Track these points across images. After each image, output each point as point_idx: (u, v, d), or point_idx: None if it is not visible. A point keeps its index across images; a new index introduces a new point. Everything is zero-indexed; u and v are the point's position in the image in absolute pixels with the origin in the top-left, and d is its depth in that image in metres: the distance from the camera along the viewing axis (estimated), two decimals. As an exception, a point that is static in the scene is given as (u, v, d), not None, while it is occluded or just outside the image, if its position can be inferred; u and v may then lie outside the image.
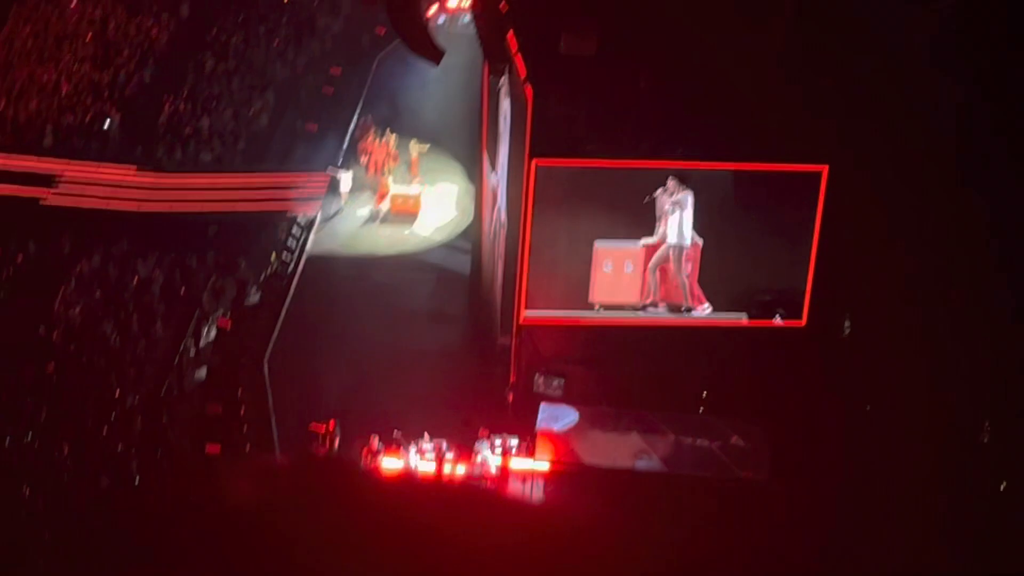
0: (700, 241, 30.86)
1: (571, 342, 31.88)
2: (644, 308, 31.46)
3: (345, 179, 42.96)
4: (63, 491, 30.32)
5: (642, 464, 31.09)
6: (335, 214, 42.19)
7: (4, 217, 40.21)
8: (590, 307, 31.33)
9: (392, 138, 43.67)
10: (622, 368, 31.65)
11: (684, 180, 30.02)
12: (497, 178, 35.00)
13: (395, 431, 30.80)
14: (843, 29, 29.50)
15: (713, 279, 31.33)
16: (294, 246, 40.09)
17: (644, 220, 30.42)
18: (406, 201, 42.06)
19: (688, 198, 30.23)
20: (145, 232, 40.07)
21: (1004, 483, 30.36)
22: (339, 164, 43.28)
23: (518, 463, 30.81)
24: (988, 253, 30.21)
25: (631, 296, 31.42)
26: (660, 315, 31.47)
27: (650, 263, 31.02)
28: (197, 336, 36.00)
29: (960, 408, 30.80)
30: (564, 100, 29.56)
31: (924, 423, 30.62)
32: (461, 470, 30.62)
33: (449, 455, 30.71)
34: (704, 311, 31.46)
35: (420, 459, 30.56)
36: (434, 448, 30.67)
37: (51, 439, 31.58)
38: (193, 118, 45.46)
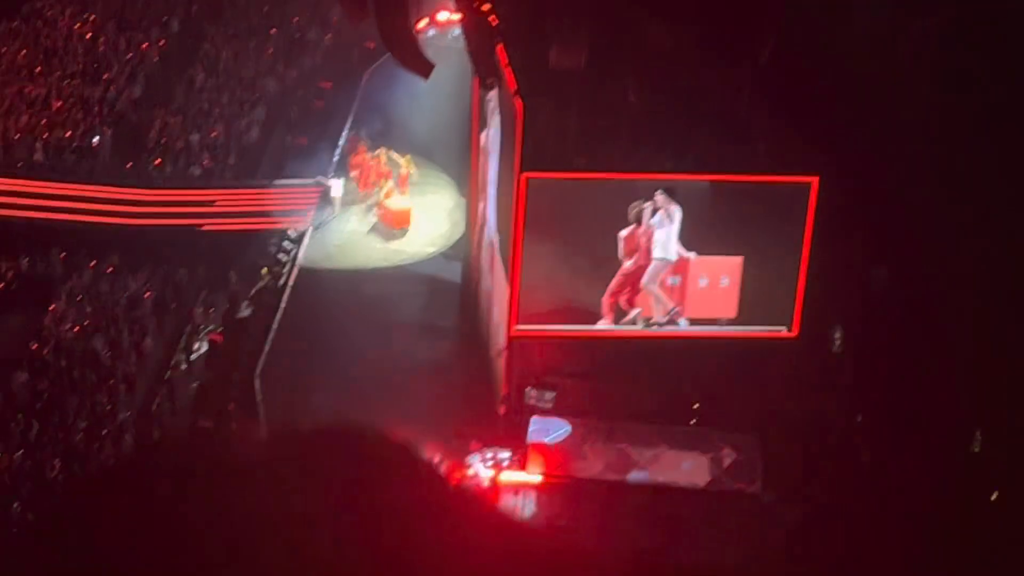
0: (691, 256, 30.75)
1: (562, 355, 31.88)
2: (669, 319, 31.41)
3: (336, 186, 43.00)
4: (54, 507, 30.17)
5: (634, 476, 31.09)
6: (326, 227, 42.19)
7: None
8: (588, 320, 31.27)
9: (382, 152, 43.68)
10: (613, 380, 31.65)
11: (672, 194, 30.00)
12: (487, 191, 35.02)
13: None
14: (833, 40, 29.55)
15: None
16: (285, 259, 40.08)
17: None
18: (396, 215, 42.05)
19: (677, 213, 30.20)
20: (136, 247, 40.05)
21: (995, 493, 30.39)
22: (329, 176, 43.32)
23: (509, 476, 30.80)
24: (979, 263, 30.26)
25: (727, 311, 31.29)
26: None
27: (644, 281, 30.92)
28: (188, 350, 36.00)
29: (951, 418, 30.83)
30: (554, 113, 29.58)
31: (915, 433, 30.66)
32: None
33: (440, 468, 30.64)
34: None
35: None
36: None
37: (42, 455, 31.55)
38: (183, 133, 45.49)
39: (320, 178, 43.44)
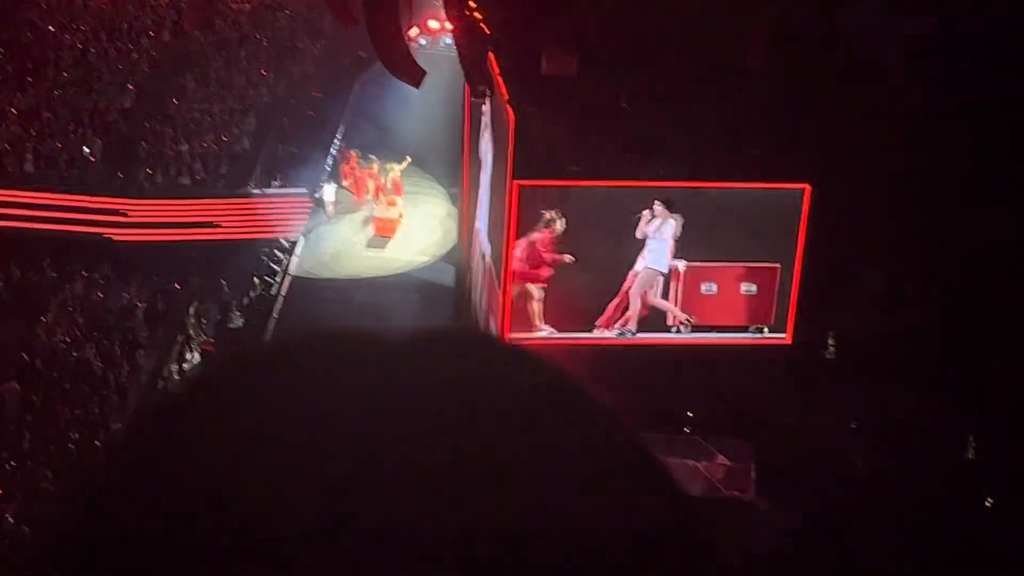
0: (680, 264, 30.69)
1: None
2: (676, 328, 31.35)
3: (328, 191, 43.01)
4: (47, 519, 30.13)
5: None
6: (318, 235, 42.18)
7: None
8: (582, 328, 31.21)
9: (374, 160, 43.68)
10: (606, 388, 31.38)
11: (670, 206, 29.95)
12: (480, 199, 34.99)
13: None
14: (824, 47, 29.57)
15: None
16: (277, 269, 40.07)
17: (629, 241, 30.36)
18: (387, 224, 42.03)
19: (671, 224, 30.13)
20: (127, 257, 40.03)
21: (989, 499, 30.36)
22: (321, 185, 43.33)
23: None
24: (974, 269, 30.25)
25: (765, 319, 31.34)
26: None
27: (632, 289, 30.85)
28: (181, 361, 35.92)
29: (945, 424, 30.81)
30: (546, 121, 29.54)
31: (909, 439, 30.63)
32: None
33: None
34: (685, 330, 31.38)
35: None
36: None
37: (34, 466, 31.45)
38: (174, 142, 45.46)
39: (312, 186, 43.46)
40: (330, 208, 43.01)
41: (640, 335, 31.22)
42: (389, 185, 43.39)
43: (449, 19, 37.14)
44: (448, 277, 39.62)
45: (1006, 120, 29.35)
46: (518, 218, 29.84)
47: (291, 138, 46.77)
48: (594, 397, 1.34)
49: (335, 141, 46.21)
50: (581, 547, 1.16)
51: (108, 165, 44.61)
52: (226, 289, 38.79)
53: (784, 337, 31.41)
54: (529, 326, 30.50)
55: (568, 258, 29.96)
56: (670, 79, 29.42)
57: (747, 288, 31.00)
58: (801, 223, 30.37)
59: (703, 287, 31.05)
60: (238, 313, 37.96)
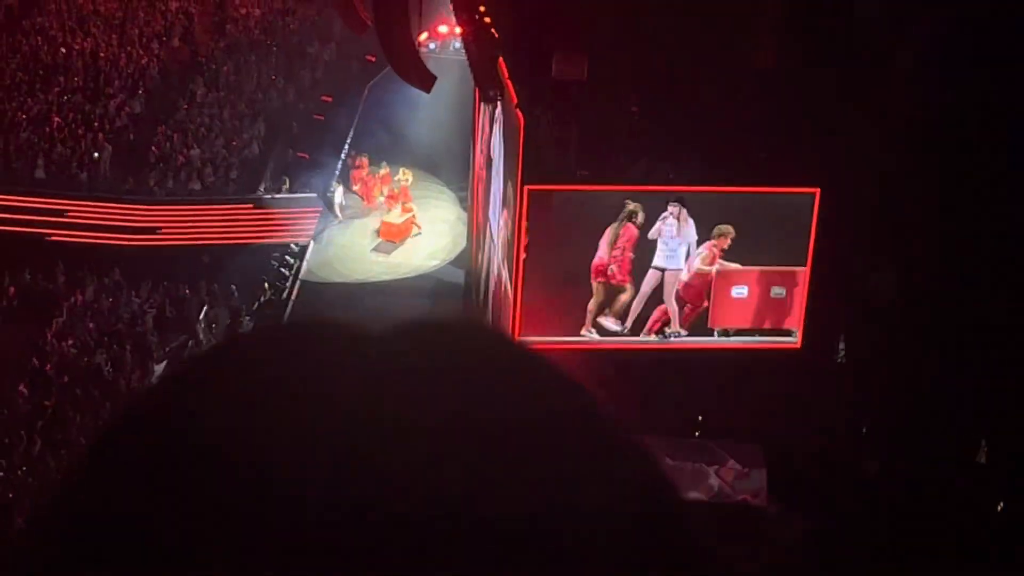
0: (683, 268, 30.62)
1: (566, 367, 31.75)
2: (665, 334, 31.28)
3: (338, 195, 43.05)
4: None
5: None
6: (328, 237, 42.21)
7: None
8: (586, 332, 31.17)
9: (384, 165, 43.71)
10: (616, 392, 31.38)
11: (685, 205, 29.93)
12: (490, 204, 34.97)
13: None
14: (834, 49, 29.53)
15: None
16: (287, 273, 40.09)
17: (640, 244, 30.32)
18: (392, 228, 42.01)
19: (689, 223, 30.10)
20: (137, 262, 40.07)
21: (1001, 504, 30.30)
22: (331, 189, 43.37)
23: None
24: (984, 274, 30.19)
25: (791, 322, 31.21)
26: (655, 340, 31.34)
27: (645, 288, 30.83)
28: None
29: (957, 429, 30.74)
30: (556, 125, 29.52)
31: (920, 444, 30.56)
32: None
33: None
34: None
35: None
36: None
37: (45, 472, 31.47)
38: (184, 148, 45.53)
39: (321, 190, 43.53)
40: (339, 212, 43.05)
41: (646, 339, 31.18)
42: (397, 190, 43.42)
43: (459, 23, 37.18)
44: (458, 281, 39.60)
45: (1014, 122, 29.31)
46: (527, 222, 29.81)
47: (301, 143, 46.82)
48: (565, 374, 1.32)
49: (345, 146, 46.24)
50: (579, 537, 1.14)
51: (118, 170, 44.68)
52: (236, 294, 38.80)
53: (795, 341, 31.38)
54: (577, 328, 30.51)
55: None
56: (679, 83, 29.41)
57: (777, 292, 30.96)
58: (811, 227, 30.34)
59: (734, 291, 31.00)
60: (248, 318, 37.97)
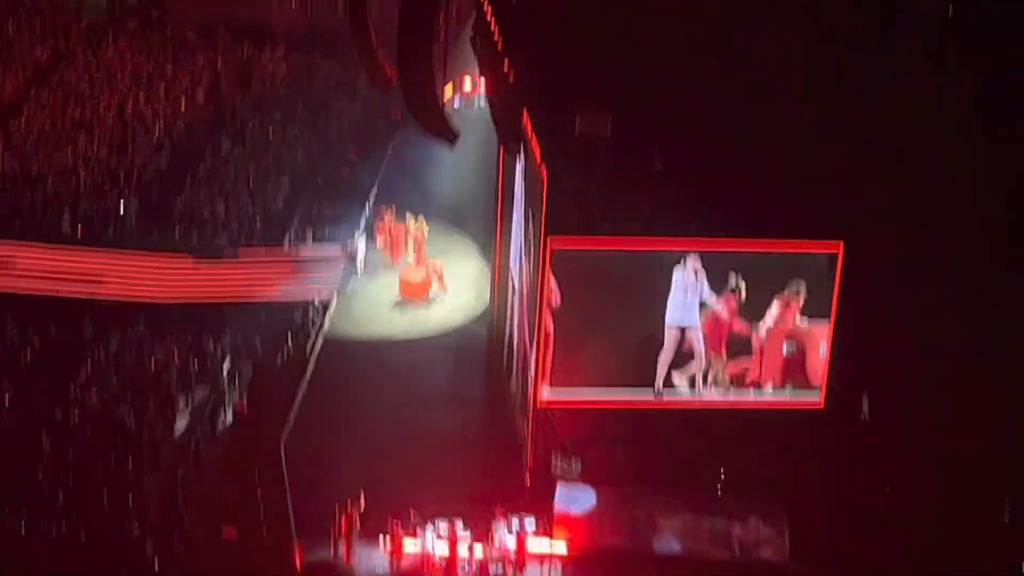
0: (696, 324, 30.67)
1: (588, 423, 31.72)
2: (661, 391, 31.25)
3: (360, 248, 43.15)
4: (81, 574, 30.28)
5: (660, 545, 30.87)
6: (351, 292, 42.26)
7: (23, 302, 40.40)
8: (607, 386, 31.13)
9: (409, 219, 43.83)
10: (640, 448, 31.49)
11: (702, 259, 29.98)
12: (513, 258, 35.03)
13: (412, 512, 30.63)
14: (856, 102, 29.61)
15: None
16: (310, 328, 40.12)
17: (660, 298, 30.34)
18: (414, 287, 41.99)
19: (704, 277, 30.16)
20: (162, 315, 40.19)
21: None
22: (354, 243, 43.49)
23: (535, 544, 30.61)
24: (1007, 332, 30.12)
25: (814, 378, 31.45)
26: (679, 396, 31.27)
27: (668, 344, 30.80)
28: (214, 419, 35.94)
29: (980, 488, 30.58)
30: (579, 180, 29.60)
31: (944, 504, 30.41)
32: (479, 551, 30.43)
33: (466, 536, 30.50)
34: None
35: (436, 540, 30.38)
36: (448, 529, 30.48)
37: (69, 522, 31.48)
38: (209, 202, 45.71)
39: (345, 244, 43.64)
40: (361, 265, 43.13)
41: (670, 394, 31.14)
42: (412, 242, 43.56)
43: (483, 79, 37.38)
44: (480, 337, 39.60)
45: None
46: (550, 276, 29.86)
47: (325, 198, 46.97)
48: None
49: (369, 201, 46.39)
50: None
51: (144, 224, 44.87)
52: (259, 348, 38.85)
53: (818, 399, 31.33)
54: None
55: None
56: (701, 139, 29.49)
57: (824, 348, 30.97)
58: (835, 284, 30.33)
59: (785, 348, 31.02)
60: (271, 371, 37.94)
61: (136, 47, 55.06)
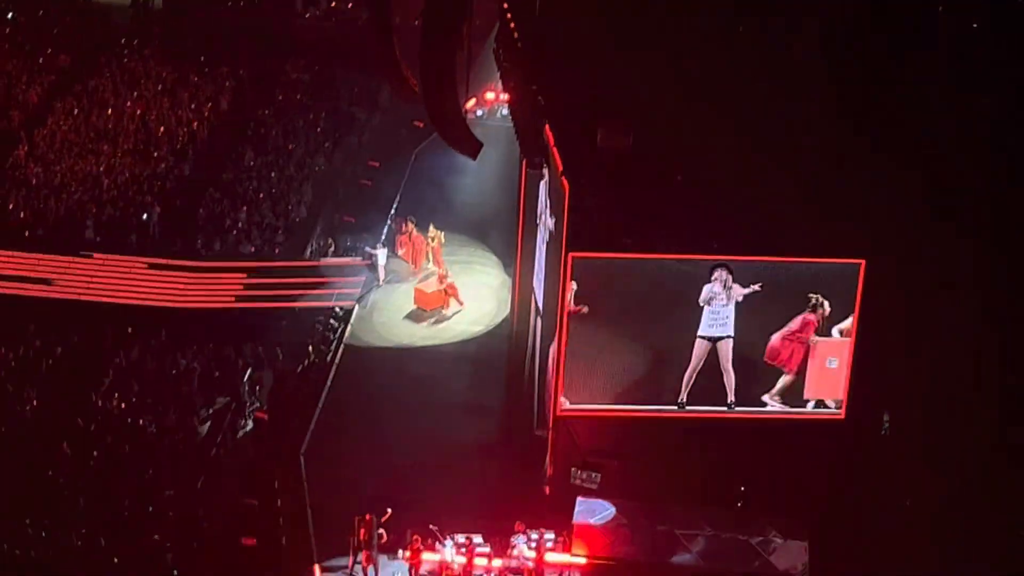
0: (729, 336, 30.68)
1: (608, 435, 31.72)
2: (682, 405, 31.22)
3: (381, 258, 43.20)
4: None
5: (679, 559, 30.84)
6: (372, 301, 42.29)
7: (44, 310, 40.53)
8: (626, 400, 31.13)
9: (430, 230, 43.88)
10: (659, 461, 31.46)
11: (732, 272, 29.97)
12: (535, 270, 35.05)
13: (431, 525, 30.67)
14: (880, 121, 29.59)
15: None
16: (331, 337, 40.19)
17: (684, 311, 30.32)
18: (428, 297, 41.96)
19: (736, 290, 30.13)
20: (183, 324, 40.29)
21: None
22: (375, 253, 43.53)
23: (554, 557, 30.62)
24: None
25: (836, 392, 31.48)
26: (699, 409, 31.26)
27: (696, 358, 30.78)
28: (234, 428, 36.01)
29: (1003, 505, 30.52)
30: (601, 193, 29.60)
31: (965, 519, 30.35)
32: (497, 564, 30.44)
33: (485, 548, 30.53)
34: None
35: (455, 553, 30.40)
36: (465, 542, 30.51)
37: (89, 531, 31.57)
38: (232, 210, 45.81)
39: (366, 254, 43.70)
40: (382, 275, 43.19)
41: (692, 408, 31.14)
42: (430, 251, 43.64)
43: (506, 91, 37.42)
44: (501, 347, 39.62)
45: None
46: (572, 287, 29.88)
47: (347, 207, 47.04)
48: None
49: (391, 210, 46.45)
50: None
51: (167, 232, 44.99)
52: (280, 357, 38.91)
53: (839, 412, 31.30)
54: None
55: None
56: (723, 152, 29.48)
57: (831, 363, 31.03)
58: (856, 298, 30.29)
59: (828, 362, 31.05)
60: (292, 380, 37.99)
61: (160, 55, 55.21)
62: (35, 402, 36.16)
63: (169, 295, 41.91)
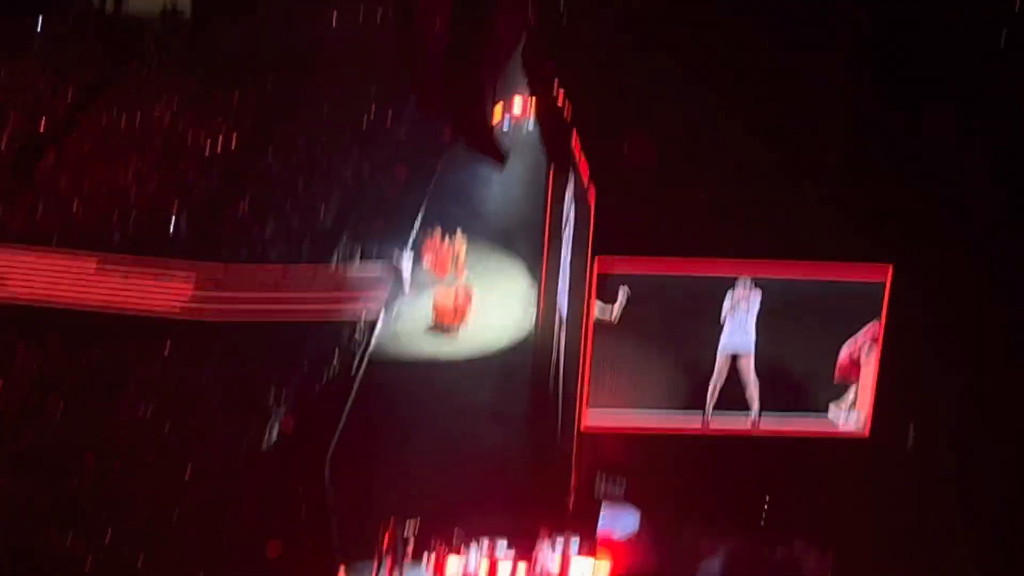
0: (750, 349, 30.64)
1: (633, 445, 31.69)
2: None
3: (406, 263, 43.23)
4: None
5: (703, 572, 30.80)
6: (398, 315, 42.31)
7: (69, 320, 40.69)
8: (650, 408, 31.10)
9: (457, 239, 43.91)
10: (684, 473, 31.42)
11: (756, 282, 29.93)
12: (560, 279, 35.06)
13: (456, 530, 30.67)
14: (904, 128, 29.56)
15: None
16: (356, 348, 40.21)
17: (707, 321, 30.30)
18: (448, 311, 41.96)
19: (757, 300, 30.10)
20: (209, 333, 40.36)
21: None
22: (400, 262, 43.57)
23: (578, 565, 30.59)
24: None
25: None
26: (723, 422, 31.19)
27: (718, 370, 30.73)
28: (259, 436, 36.05)
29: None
30: (627, 202, 29.60)
31: (992, 536, 30.24)
32: (522, 570, 30.43)
33: (509, 556, 30.51)
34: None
35: (480, 559, 30.40)
36: (487, 549, 30.51)
37: (115, 541, 31.67)
38: (258, 219, 45.90)
39: (392, 263, 43.75)
40: (408, 284, 43.21)
41: (717, 419, 31.08)
42: (453, 259, 43.69)
43: (532, 100, 37.48)
44: (525, 356, 39.61)
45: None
46: (597, 299, 29.85)
47: (373, 216, 47.09)
48: None
49: (417, 219, 46.49)
50: None
51: (193, 240, 45.09)
52: (305, 366, 38.95)
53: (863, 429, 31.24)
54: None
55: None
56: (749, 160, 29.50)
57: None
58: (883, 310, 30.22)
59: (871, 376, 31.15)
60: (317, 390, 38.04)
61: (188, 64, 55.39)
62: (60, 411, 36.33)
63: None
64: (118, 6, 58.26)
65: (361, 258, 44.56)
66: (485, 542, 30.61)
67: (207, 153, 49.40)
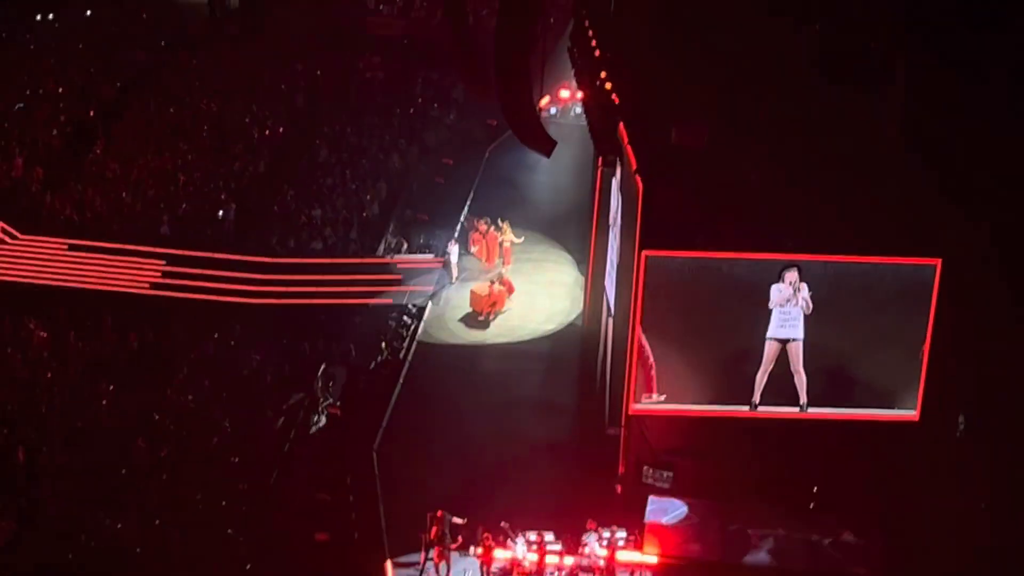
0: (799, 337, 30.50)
1: (681, 434, 31.61)
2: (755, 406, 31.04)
3: (453, 255, 43.27)
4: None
5: (752, 559, 30.69)
6: (446, 301, 42.36)
7: (121, 306, 40.96)
8: (698, 399, 31.00)
9: (504, 227, 43.94)
10: (732, 461, 31.32)
11: (801, 272, 29.76)
12: (607, 268, 35.01)
13: (503, 522, 30.67)
14: (952, 121, 29.32)
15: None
16: (404, 334, 40.29)
17: (755, 311, 30.17)
18: (482, 300, 41.99)
19: (805, 291, 29.95)
20: (257, 319, 40.54)
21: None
22: (448, 250, 43.61)
23: (626, 556, 30.55)
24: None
25: None
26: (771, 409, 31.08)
27: (767, 359, 30.60)
28: (307, 423, 36.17)
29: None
30: (675, 191, 29.48)
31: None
32: (569, 562, 30.40)
33: (557, 546, 30.48)
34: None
35: (527, 551, 30.38)
36: (537, 540, 30.47)
37: (163, 524, 31.83)
38: (306, 207, 46.04)
39: (439, 251, 43.81)
40: (455, 272, 43.26)
41: (765, 408, 30.96)
42: (502, 250, 43.72)
43: (580, 89, 37.38)
44: (574, 345, 39.59)
45: None
46: (645, 287, 29.77)
47: (421, 204, 47.18)
48: None
49: (464, 208, 46.55)
50: None
51: (241, 228, 45.29)
52: (354, 353, 39.07)
53: (913, 414, 31.04)
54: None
55: None
56: (799, 152, 29.35)
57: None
58: (932, 298, 30.02)
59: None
60: (365, 376, 38.12)
61: (236, 52, 55.65)
62: (111, 395, 36.55)
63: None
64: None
65: (408, 246, 44.65)
66: (532, 532, 30.59)
67: (254, 141, 49.58)
